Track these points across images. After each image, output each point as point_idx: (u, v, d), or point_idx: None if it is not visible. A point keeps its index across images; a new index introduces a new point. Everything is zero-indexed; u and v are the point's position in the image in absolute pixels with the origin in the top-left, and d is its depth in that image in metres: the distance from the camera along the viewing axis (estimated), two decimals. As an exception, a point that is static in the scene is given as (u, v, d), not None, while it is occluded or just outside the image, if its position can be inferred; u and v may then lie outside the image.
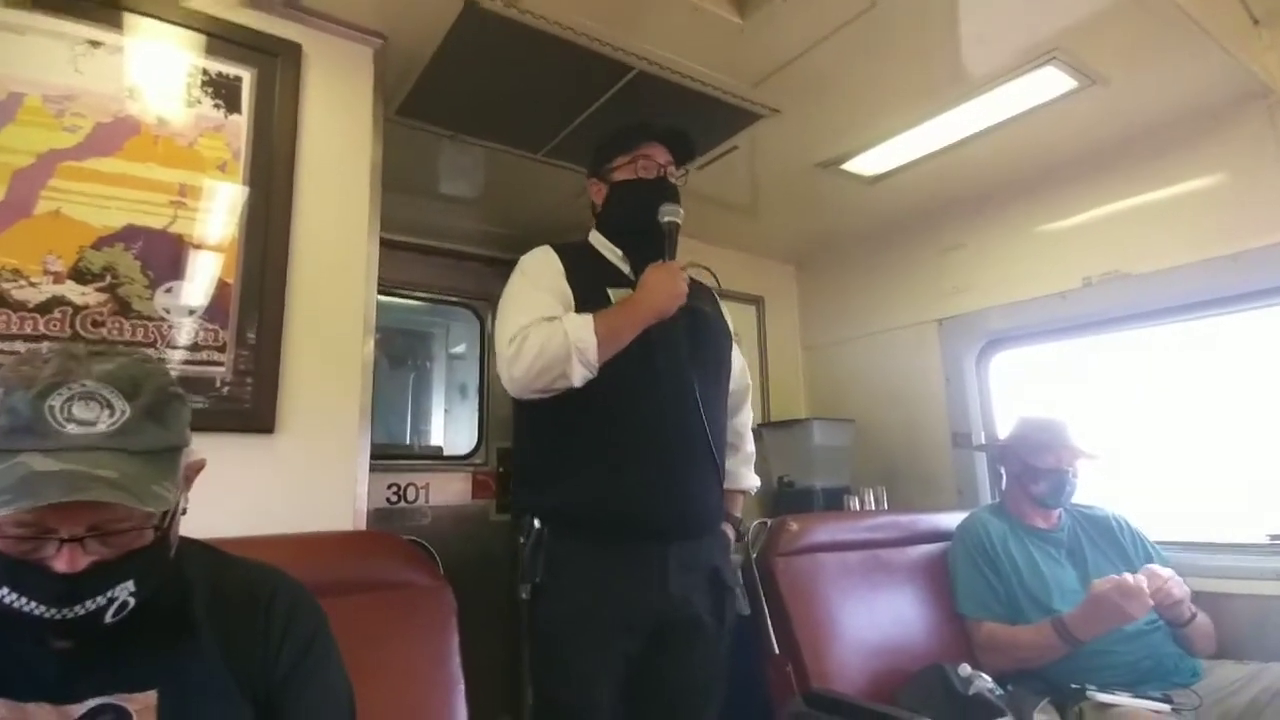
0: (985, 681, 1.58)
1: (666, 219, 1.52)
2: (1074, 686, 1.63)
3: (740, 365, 1.76)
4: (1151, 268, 2.16)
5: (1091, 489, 2.01)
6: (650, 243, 1.52)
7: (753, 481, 1.78)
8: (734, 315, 3.27)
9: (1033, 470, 1.94)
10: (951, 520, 2.06)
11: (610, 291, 1.50)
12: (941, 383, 2.73)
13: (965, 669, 1.61)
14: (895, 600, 1.88)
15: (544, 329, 1.37)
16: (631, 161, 1.58)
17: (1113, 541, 1.94)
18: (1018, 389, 2.65)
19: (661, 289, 1.45)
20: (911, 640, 1.81)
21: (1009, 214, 2.56)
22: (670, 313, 1.45)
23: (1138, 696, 1.58)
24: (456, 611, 1.31)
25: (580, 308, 1.45)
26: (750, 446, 1.79)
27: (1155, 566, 1.73)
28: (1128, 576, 1.62)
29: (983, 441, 2.59)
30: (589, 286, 1.49)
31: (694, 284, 1.58)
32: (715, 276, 1.74)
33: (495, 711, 1.38)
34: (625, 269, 1.58)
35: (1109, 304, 2.27)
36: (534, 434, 1.52)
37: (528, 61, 1.82)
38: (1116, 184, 2.28)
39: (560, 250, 1.55)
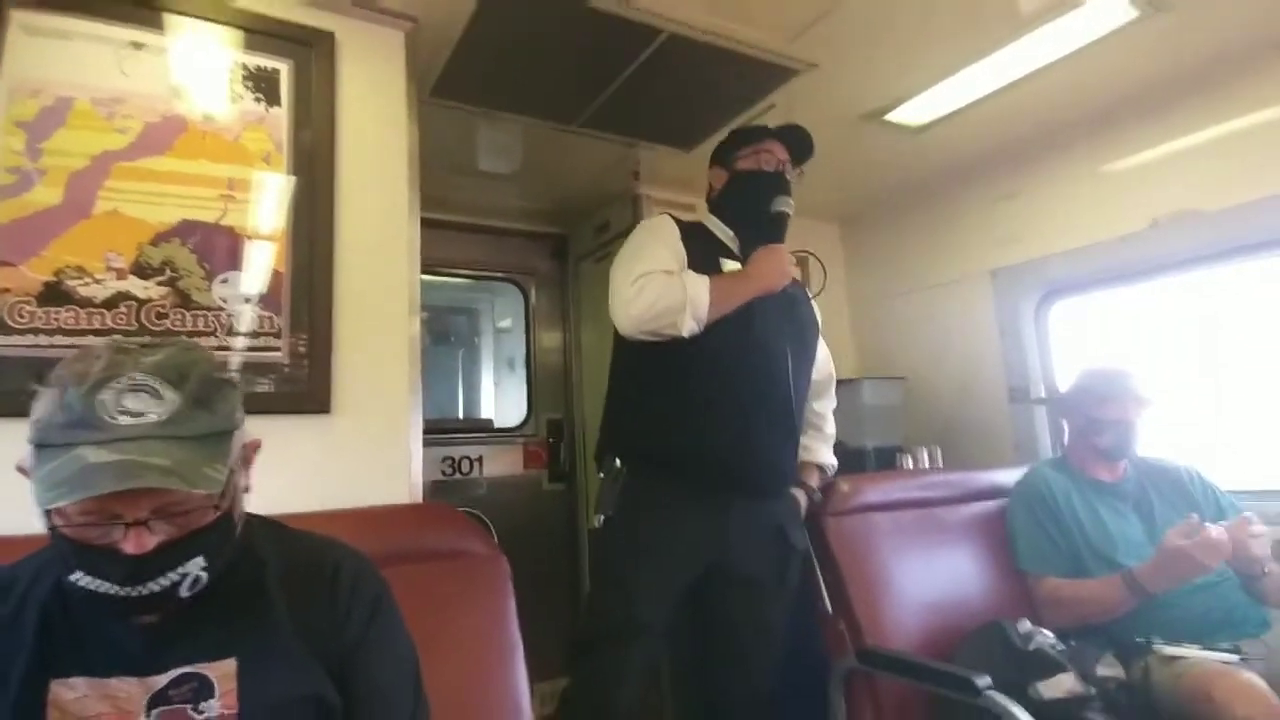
0: (1046, 637, 1.55)
1: (779, 209, 1.66)
2: (1139, 640, 1.59)
3: (825, 355, 1.85)
4: (1223, 204, 2.03)
5: (1159, 439, 1.93)
6: (761, 230, 1.65)
7: (830, 459, 1.86)
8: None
9: (1097, 422, 1.87)
10: (1009, 477, 2.02)
11: (722, 260, 1.63)
12: (996, 336, 2.64)
13: (1025, 625, 1.58)
14: (951, 558, 1.85)
15: (663, 279, 1.50)
16: (755, 153, 1.72)
17: (1183, 493, 1.87)
18: (1078, 340, 2.55)
19: (772, 267, 1.61)
20: (969, 598, 1.79)
21: (1067, 157, 2.43)
22: (777, 289, 1.61)
23: (1206, 648, 1.54)
24: (511, 578, 1.34)
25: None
26: (831, 429, 1.89)
27: (1250, 516, 1.64)
28: (1210, 529, 1.54)
29: (1042, 395, 2.51)
30: (702, 255, 1.62)
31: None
32: (822, 264, 2.01)
33: (552, 675, 1.42)
34: (734, 249, 1.70)
35: (1178, 245, 2.15)
36: (628, 379, 1.66)
37: (557, 33, 1.81)
38: (1184, 118, 2.14)
39: (677, 220, 1.67)
